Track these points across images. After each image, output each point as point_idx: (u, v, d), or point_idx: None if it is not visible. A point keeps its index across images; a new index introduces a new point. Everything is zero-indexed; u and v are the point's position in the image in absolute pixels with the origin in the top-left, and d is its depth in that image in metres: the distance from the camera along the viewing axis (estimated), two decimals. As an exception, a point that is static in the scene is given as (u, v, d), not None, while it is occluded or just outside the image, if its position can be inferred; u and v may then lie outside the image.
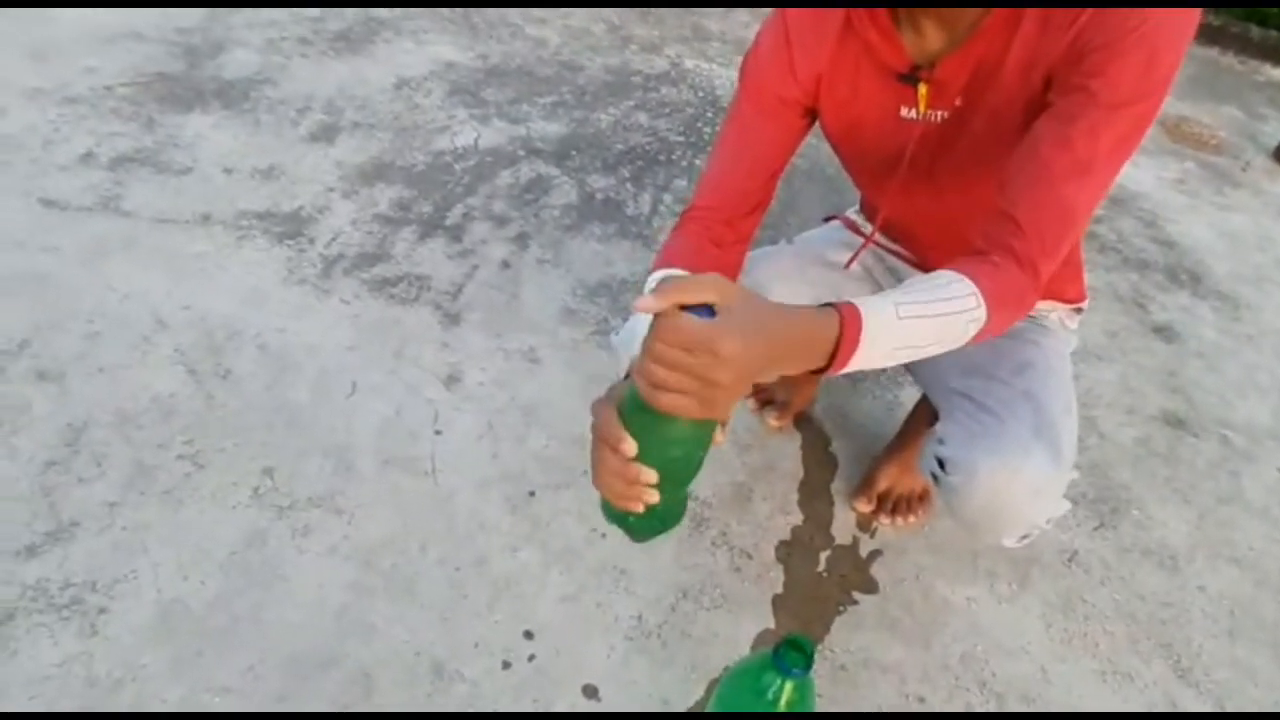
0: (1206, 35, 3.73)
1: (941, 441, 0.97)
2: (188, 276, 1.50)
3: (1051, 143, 0.77)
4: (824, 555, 1.25)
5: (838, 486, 1.36)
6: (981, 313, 0.73)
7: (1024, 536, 0.97)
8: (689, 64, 2.61)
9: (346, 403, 1.33)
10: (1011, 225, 0.77)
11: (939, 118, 0.88)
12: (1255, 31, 3.68)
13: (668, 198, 1.97)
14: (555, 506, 1.23)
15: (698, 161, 2.12)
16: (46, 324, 1.36)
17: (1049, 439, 0.91)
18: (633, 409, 0.64)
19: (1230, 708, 1.15)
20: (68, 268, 1.47)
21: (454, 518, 1.19)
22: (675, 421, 0.62)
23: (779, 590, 1.18)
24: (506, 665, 1.04)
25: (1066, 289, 1.11)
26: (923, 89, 0.86)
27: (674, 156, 2.13)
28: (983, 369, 1.01)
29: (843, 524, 1.30)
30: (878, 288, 1.16)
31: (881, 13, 0.84)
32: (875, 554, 1.26)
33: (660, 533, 0.75)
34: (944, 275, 0.75)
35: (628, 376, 0.72)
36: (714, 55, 2.70)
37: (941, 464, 0.96)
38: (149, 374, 1.31)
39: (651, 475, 0.65)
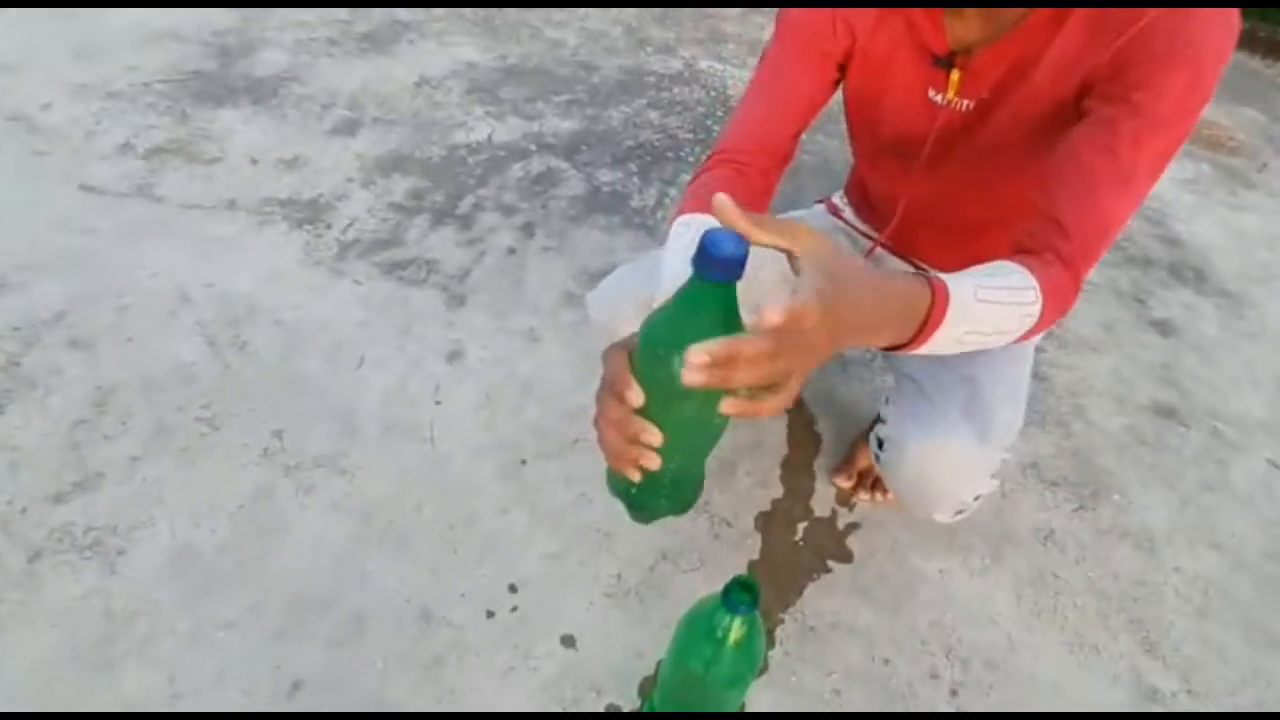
0: (1232, 39, 3.71)
1: (883, 422, 1.02)
2: (212, 257, 1.60)
3: (1094, 149, 0.76)
4: (802, 526, 1.30)
5: (820, 464, 1.40)
6: (1037, 308, 0.72)
7: (958, 512, 1.02)
8: (703, 65, 2.67)
9: (354, 374, 1.41)
10: (1057, 228, 0.76)
11: (965, 107, 0.88)
12: (1284, 35, 3.65)
13: (673, 191, 2.03)
14: (545, 474, 1.30)
15: (705, 157, 2.17)
16: (81, 297, 1.46)
17: (978, 419, 0.94)
18: (646, 355, 0.54)
19: (1196, 682, 1.17)
20: (103, 247, 1.58)
21: (449, 481, 1.26)
22: None
23: (755, 556, 1.24)
24: (490, 614, 1.10)
25: None
26: (955, 75, 0.86)
27: (682, 153, 2.19)
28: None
29: (822, 499, 1.34)
30: None
31: None
32: (852, 527, 1.31)
33: (666, 513, 0.66)
34: (1006, 265, 0.73)
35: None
36: (729, 57, 2.76)
37: (880, 444, 1.01)
38: (172, 344, 1.40)
39: (655, 434, 0.56)
